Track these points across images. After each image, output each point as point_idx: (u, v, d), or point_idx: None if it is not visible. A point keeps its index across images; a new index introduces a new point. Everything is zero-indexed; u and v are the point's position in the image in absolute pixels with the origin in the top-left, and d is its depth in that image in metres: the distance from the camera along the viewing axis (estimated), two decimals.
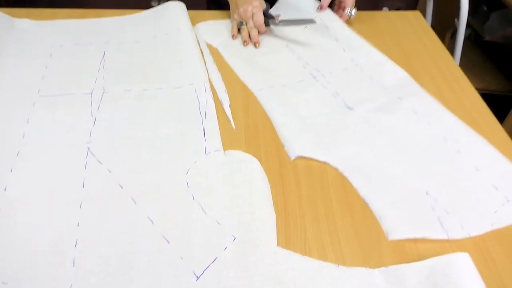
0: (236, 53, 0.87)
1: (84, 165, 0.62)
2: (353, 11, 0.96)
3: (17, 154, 0.62)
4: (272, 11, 0.94)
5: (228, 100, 0.74)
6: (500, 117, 0.76)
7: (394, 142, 0.68)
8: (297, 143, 0.67)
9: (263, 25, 0.89)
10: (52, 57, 0.83)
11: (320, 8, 0.96)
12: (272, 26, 0.92)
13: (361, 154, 0.66)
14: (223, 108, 0.73)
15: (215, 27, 0.95)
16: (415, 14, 1.03)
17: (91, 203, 0.57)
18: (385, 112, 0.73)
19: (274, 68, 0.84)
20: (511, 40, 1.84)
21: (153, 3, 2.19)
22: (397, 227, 0.56)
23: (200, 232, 0.54)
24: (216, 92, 0.76)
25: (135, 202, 0.57)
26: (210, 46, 0.89)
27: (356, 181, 0.62)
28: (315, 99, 0.76)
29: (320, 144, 0.67)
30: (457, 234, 0.56)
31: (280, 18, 0.91)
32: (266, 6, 0.91)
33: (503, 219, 0.58)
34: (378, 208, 0.58)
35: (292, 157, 0.65)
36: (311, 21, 0.89)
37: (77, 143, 0.65)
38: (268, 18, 0.90)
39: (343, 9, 0.96)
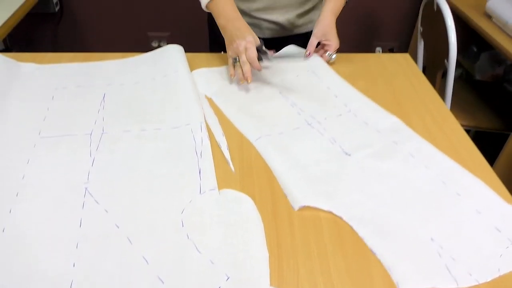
0: (230, 102, 0.88)
1: (81, 205, 0.63)
2: (334, 56, 1.01)
3: (16, 195, 0.64)
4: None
5: (226, 143, 0.76)
6: (493, 154, 0.78)
7: (394, 188, 0.69)
8: (300, 193, 0.67)
9: (256, 60, 0.89)
10: (54, 99, 0.86)
11: (308, 54, 1.01)
12: (265, 62, 0.94)
13: (363, 202, 0.66)
14: (219, 148, 0.75)
15: (208, 76, 0.96)
16: (405, 57, 1.08)
17: (87, 244, 0.57)
18: (383, 157, 0.74)
19: (270, 116, 0.84)
20: (500, 80, 1.90)
21: (153, 44, 2.27)
22: (408, 277, 0.56)
23: (194, 271, 0.55)
24: (213, 135, 0.78)
25: (130, 242, 0.58)
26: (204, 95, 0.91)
27: (362, 231, 0.62)
28: (312, 147, 0.77)
29: (322, 193, 0.67)
30: (466, 281, 0.56)
31: (274, 56, 0.95)
32: (260, 42, 0.92)
33: (509, 263, 0.58)
34: (387, 259, 0.58)
35: (296, 207, 0.65)
36: (302, 55, 0.98)
37: (76, 184, 0.67)
38: (261, 53, 0.92)
39: (325, 51, 1.01)
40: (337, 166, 0.73)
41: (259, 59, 0.91)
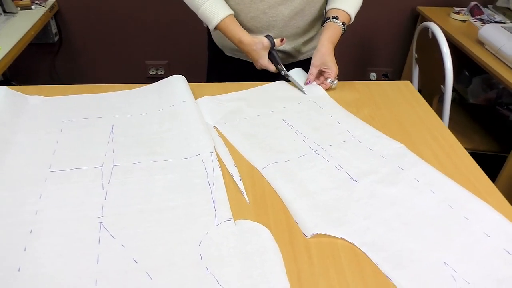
0: (235, 130, 0.89)
1: (97, 240, 0.62)
2: (335, 82, 1.04)
3: (30, 232, 0.63)
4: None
5: (239, 174, 0.77)
6: (491, 176, 0.80)
7: (402, 213, 0.70)
8: (311, 221, 0.68)
9: (272, 69, 1.08)
10: (62, 132, 0.86)
11: (308, 82, 1.04)
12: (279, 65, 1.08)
13: (373, 228, 0.67)
14: (230, 178, 0.76)
15: (211, 105, 0.97)
16: (406, 84, 1.10)
17: (106, 280, 0.56)
18: (389, 183, 0.76)
19: (275, 144, 0.86)
20: (493, 103, 1.94)
21: (151, 72, 2.29)
22: None
23: None
24: (225, 165, 0.79)
25: (150, 277, 0.57)
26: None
27: (376, 258, 0.62)
28: (320, 174, 0.78)
29: (333, 220, 0.68)
30: None
31: (286, 73, 1.07)
32: (270, 40, 1.05)
33: None
34: (402, 284, 0.59)
35: (308, 235, 0.66)
36: (301, 90, 1.04)
37: (90, 218, 0.66)
38: (274, 60, 1.08)
39: (326, 78, 1.04)
40: (345, 193, 0.74)
41: (275, 63, 1.08)
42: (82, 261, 0.59)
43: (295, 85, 1.05)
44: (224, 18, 1.05)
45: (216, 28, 1.07)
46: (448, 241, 0.65)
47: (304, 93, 1.02)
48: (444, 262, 0.62)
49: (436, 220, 0.69)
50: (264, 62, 1.07)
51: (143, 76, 2.32)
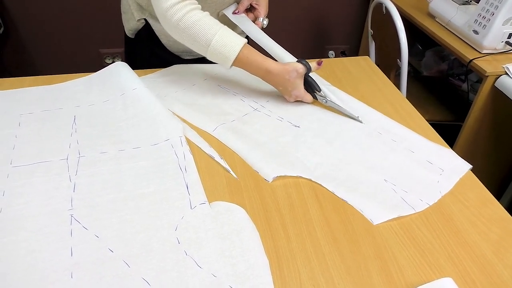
0: (176, 102, 0.91)
1: (69, 233, 0.61)
2: (266, 21, 1.04)
3: None
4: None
5: (217, 153, 0.78)
6: (449, 144, 0.85)
7: (343, 145, 0.81)
8: (268, 167, 0.75)
9: (309, 99, 0.92)
10: (21, 126, 0.82)
11: (237, 12, 1.00)
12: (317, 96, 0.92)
13: (322, 162, 0.77)
14: (202, 161, 0.76)
15: (146, 83, 0.95)
16: (365, 59, 1.13)
17: (82, 272, 0.56)
18: (325, 123, 0.87)
19: (218, 108, 0.91)
20: (445, 74, 2.03)
21: (107, 61, 2.22)
22: (377, 213, 0.67)
23: (198, 287, 0.55)
24: (200, 148, 0.79)
25: (128, 265, 0.57)
26: None
27: (330, 186, 0.72)
28: (265, 127, 0.85)
29: (287, 163, 0.76)
30: (420, 206, 0.69)
31: (328, 100, 0.90)
32: (305, 65, 0.87)
33: (445, 186, 0.73)
34: (356, 203, 0.69)
35: (270, 179, 0.72)
36: (355, 118, 0.88)
37: (59, 212, 0.64)
38: (310, 85, 0.90)
39: (256, 17, 1.03)
40: (291, 138, 0.83)
41: (311, 91, 0.91)
42: (55, 255, 0.57)
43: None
44: (241, 49, 0.85)
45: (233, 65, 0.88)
46: (383, 161, 0.78)
47: (360, 121, 0.87)
48: (384, 179, 0.74)
49: (371, 146, 0.81)
50: (301, 92, 0.90)
51: (99, 65, 2.22)
